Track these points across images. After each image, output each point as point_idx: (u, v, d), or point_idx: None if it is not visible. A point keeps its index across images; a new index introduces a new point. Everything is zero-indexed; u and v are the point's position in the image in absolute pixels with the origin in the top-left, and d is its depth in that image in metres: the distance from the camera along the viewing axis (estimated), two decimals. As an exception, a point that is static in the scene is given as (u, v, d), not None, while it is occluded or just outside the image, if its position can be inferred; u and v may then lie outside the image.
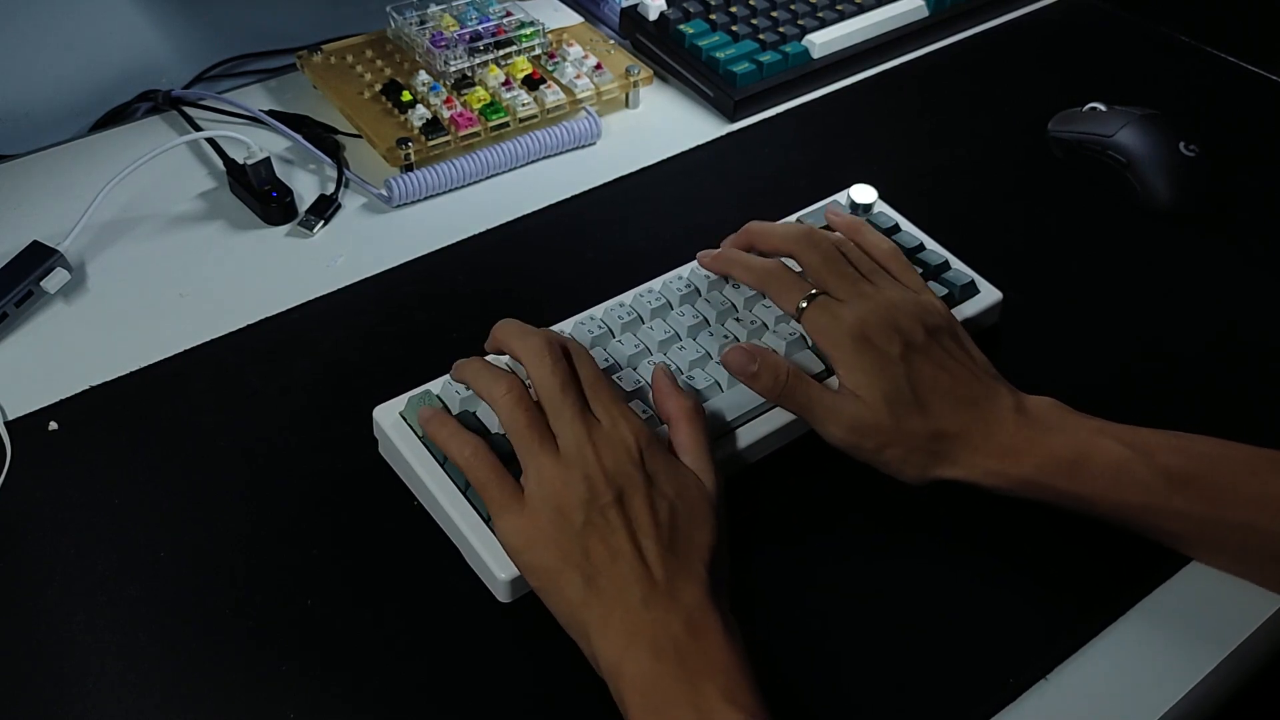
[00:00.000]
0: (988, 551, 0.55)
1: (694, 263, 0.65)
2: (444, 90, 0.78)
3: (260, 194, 0.72)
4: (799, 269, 0.60)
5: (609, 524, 0.49)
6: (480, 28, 0.81)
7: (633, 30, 0.88)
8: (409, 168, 0.74)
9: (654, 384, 0.56)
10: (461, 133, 0.76)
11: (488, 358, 0.56)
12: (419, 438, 0.56)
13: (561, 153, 0.79)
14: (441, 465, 0.55)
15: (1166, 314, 0.69)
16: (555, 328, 0.61)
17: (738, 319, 0.61)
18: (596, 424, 0.52)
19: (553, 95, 0.79)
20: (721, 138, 0.81)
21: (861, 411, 0.54)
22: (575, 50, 0.83)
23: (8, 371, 0.63)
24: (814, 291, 0.57)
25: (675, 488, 0.51)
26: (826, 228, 0.64)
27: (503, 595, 0.52)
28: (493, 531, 0.52)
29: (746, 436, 0.57)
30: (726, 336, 0.60)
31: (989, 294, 0.65)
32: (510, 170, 0.78)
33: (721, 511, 0.52)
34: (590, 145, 0.80)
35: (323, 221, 0.73)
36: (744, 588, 0.52)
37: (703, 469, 0.53)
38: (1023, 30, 0.94)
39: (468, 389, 0.56)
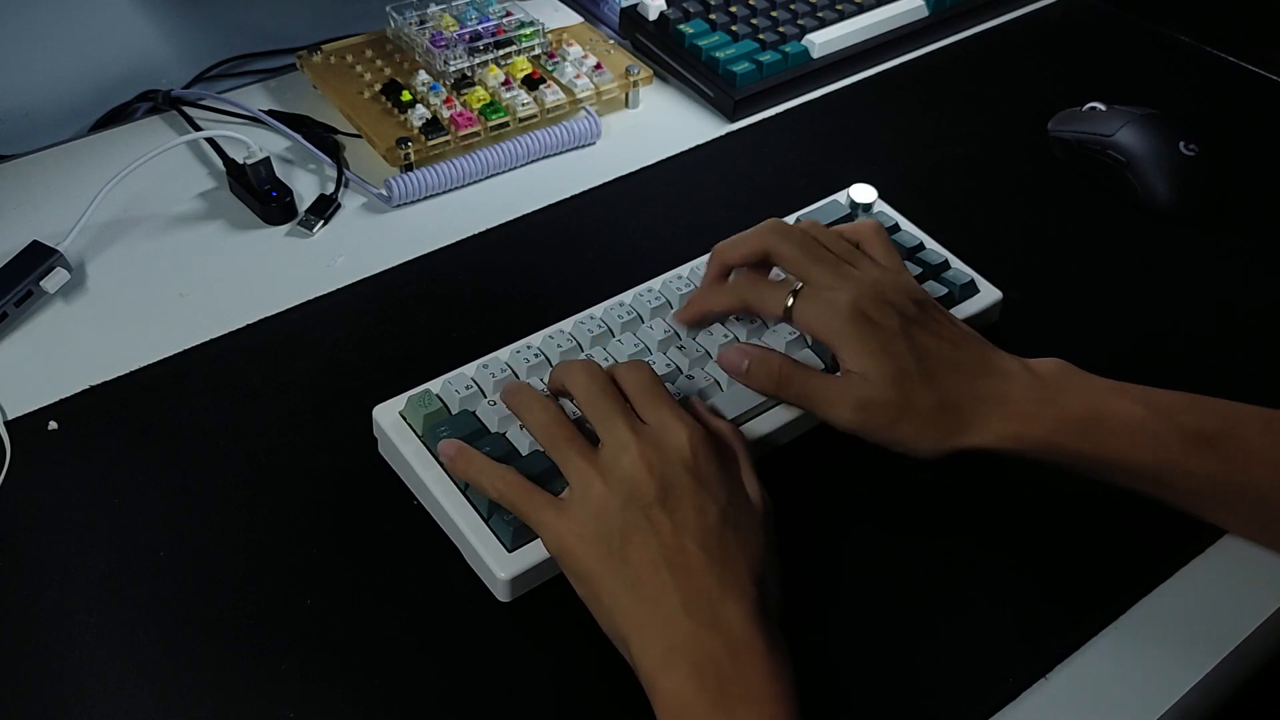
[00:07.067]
0: (988, 550, 0.55)
1: (694, 262, 0.65)
2: (444, 90, 0.78)
3: (260, 194, 0.72)
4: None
5: (651, 525, 0.47)
6: (480, 28, 0.81)
7: (632, 30, 0.88)
8: (409, 167, 0.74)
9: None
10: (461, 132, 0.76)
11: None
12: (419, 437, 0.56)
13: (561, 153, 0.79)
14: (441, 465, 0.55)
15: (1166, 313, 0.69)
16: (555, 327, 0.61)
17: (737, 318, 0.61)
18: (644, 426, 0.50)
19: (552, 95, 0.79)
20: (721, 138, 0.81)
21: (868, 390, 0.53)
22: (575, 50, 0.83)
23: (8, 371, 0.63)
24: (798, 285, 0.56)
25: (728, 494, 0.49)
26: (837, 220, 0.64)
27: (503, 595, 0.52)
28: (491, 530, 0.52)
29: (746, 435, 0.57)
30: (726, 335, 0.60)
31: (989, 293, 0.65)
32: (510, 170, 0.78)
33: (772, 529, 0.50)
34: (590, 145, 0.80)
35: (323, 221, 0.72)
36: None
37: (752, 487, 0.51)
38: (1023, 30, 0.94)
39: (468, 389, 0.56)
